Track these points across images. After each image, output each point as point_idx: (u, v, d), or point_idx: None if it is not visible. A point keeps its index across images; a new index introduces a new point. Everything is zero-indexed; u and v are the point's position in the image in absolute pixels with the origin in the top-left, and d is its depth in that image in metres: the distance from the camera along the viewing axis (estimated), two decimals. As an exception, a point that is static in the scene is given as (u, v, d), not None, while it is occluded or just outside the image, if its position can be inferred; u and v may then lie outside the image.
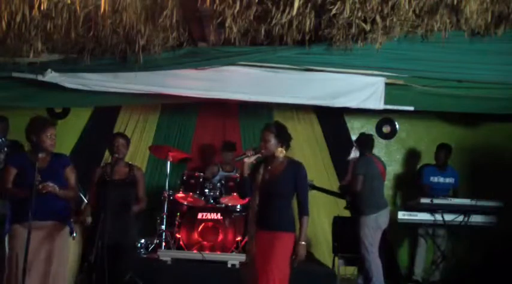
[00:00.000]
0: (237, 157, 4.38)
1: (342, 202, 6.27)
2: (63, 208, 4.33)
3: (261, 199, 4.09)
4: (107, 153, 6.38)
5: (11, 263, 4.09)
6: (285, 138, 4.17)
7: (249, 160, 4.15)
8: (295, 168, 4.13)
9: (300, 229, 4.03)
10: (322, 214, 7.04)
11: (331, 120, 7.31)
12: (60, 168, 4.34)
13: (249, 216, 4.16)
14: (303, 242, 3.99)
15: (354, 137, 6.53)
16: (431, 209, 6.06)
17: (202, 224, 6.05)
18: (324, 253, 6.85)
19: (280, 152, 4.10)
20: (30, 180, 4.05)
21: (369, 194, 5.61)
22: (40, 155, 4.17)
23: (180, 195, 6.30)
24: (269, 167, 4.15)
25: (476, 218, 6.02)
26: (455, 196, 6.48)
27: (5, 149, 5.47)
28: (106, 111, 7.14)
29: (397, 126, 7.45)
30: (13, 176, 4.20)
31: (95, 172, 5.13)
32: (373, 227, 5.55)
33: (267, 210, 4.06)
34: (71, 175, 4.40)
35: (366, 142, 5.94)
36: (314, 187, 6.26)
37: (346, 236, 5.99)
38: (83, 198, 5.95)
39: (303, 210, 4.05)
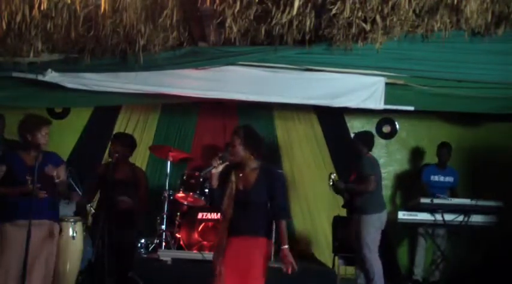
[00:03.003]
0: (203, 171, 4.02)
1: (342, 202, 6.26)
2: (53, 206, 4.35)
3: (236, 208, 3.85)
4: (107, 153, 6.39)
5: (2, 264, 4.05)
6: (253, 143, 3.90)
7: (217, 170, 3.89)
8: (269, 176, 3.90)
9: (281, 234, 3.83)
10: (322, 214, 7.05)
11: (331, 120, 7.31)
12: (53, 166, 4.33)
13: (221, 225, 3.93)
14: (286, 246, 3.79)
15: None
16: (431, 209, 6.06)
17: (203, 224, 6.05)
18: (324, 252, 6.85)
19: (249, 159, 3.84)
20: (21, 179, 4.05)
21: (375, 193, 5.63)
22: (32, 153, 4.17)
23: (180, 194, 6.30)
24: (241, 175, 3.91)
25: (476, 218, 6.02)
26: (453, 195, 6.49)
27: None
28: (106, 111, 7.14)
29: (397, 126, 7.44)
30: (1, 174, 4.15)
31: (97, 170, 5.15)
32: (377, 226, 5.56)
33: (242, 219, 3.84)
34: (62, 173, 4.41)
35: (368, 140, 5.91)
36: (333, 183, 5.99)
37: (346, 236, 5.99)
38: (78, 191, 5.96)
39: (282, 214, 3.88)
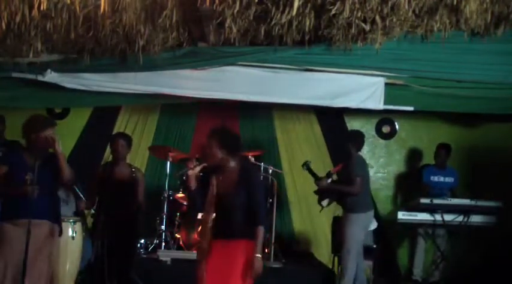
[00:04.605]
0: (180, 172, 4.02)
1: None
2: (54, 206, 4.34)
3: (218, 211, 3.86)
4: (107, 153, 6.39)
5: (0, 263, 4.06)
6: (230, 143, 3.86)
7: (193, 172, 3.88)
8: (246, 177, 3.84)
9: (256, 241, 3.69)
10: (322, 214, 7.01)
11: (331, 120, 7.32)
12: (54, 167, 4.34)
13: (201, 230, 3.95)
14: (259, 255, 3.68)
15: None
16: (431, 209, 6.06)
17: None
18: (324, 253, 6.86)
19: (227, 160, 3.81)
20: (20, 178, 4.05)
21: (364, 193, 5.63)
22: (35, 154, 4.17)
23: (180, 195, 6.31)
24: (220, 178, 3.88)
25: (476, 219, 6.02)
26: (453, 195, 6.49)
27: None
28: (106, 111, 7.14)
29: (397, 126, 7.46)
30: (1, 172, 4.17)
31: (96, 171, 5.15)
32: (363, 226, 5.56)
33: (224, 222, 3.82)
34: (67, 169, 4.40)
35: (359, 140, 5.89)
36: (308, 168, 6.11)
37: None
38: (83, 197, 5.96)
39: (257, 220, 3.73)
